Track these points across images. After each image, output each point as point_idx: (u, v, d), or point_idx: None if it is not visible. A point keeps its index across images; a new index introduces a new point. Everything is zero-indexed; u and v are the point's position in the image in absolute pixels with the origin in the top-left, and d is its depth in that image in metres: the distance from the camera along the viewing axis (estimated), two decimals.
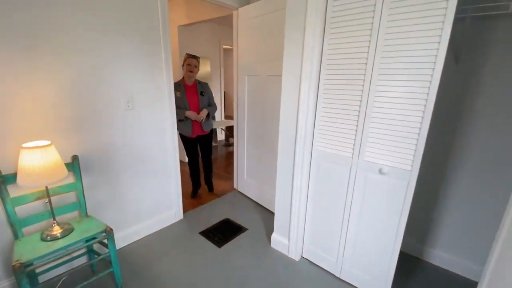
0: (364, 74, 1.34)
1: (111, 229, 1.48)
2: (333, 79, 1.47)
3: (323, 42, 1.48)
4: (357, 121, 1.42)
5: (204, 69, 4.89)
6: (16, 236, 1.39)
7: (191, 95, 2.52)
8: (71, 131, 1.58)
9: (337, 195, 1.60)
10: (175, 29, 3.70)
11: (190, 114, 2.47)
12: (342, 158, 1.53)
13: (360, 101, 1.38)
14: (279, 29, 2.06)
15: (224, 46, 5.42)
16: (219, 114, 5.31)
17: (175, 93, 2.32)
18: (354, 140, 1.45)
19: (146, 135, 1.97)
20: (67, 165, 1.54)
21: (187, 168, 2.99)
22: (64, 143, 1.56)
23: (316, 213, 1.74)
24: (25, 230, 1.45)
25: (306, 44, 1.50)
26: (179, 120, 2.39)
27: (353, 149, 1.47)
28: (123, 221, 1.97)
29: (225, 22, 4.60)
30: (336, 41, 1.42)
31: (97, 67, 1.62)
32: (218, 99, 5.28)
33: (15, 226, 1.37)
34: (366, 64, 1.33)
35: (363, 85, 1.36)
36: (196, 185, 2.90)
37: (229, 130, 5.05)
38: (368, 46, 1.30)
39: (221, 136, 5.53)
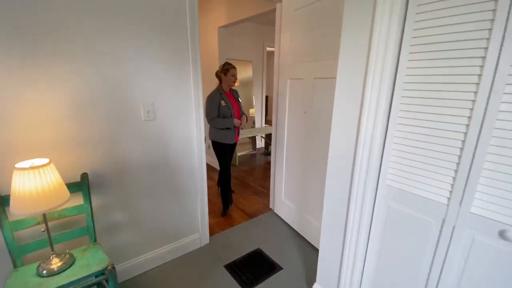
0: (480, 74, 0.81)
1: (113, 267, 1.22)
2: (420, 82, 0.97)
3: (403, 26, 0.99)
4: (462, 148, 0.88)
5: (246, 74, 4.62)
6: (14, 264, 1.22)
7: (233, 102, 2.43)
8: (82, 145, 1.38)
9: (417, 255, 1.07)
10: (215, 31, 3.49)
11: (237, 122, 2.37)
12: (429, 204, 1.00)
13: (470, 116, 0.85)
14: (332, 19, 1.60)
15: (268, 49, 5.09)
16: (259, 120, 4.99)
17: (220, 102, 2.30)
18: (454, 178, 0.92)
19: (169, 150, 1.71)
20: (75, 184, 1.34)
21: (213, 183, 2.71)
22: (73, 159, 1.37)
23: (381, 271, 1.23)
24: (26, 257, 1.29)
25: (376, 33, 1.02)
26: (226, 129, 2.36)
27: (451, 192, 0.93)
28: (140, 246, 1.73)
29: (269, 21, 4.27)
30: (427, 23, 0.92)
31: (112, 73, 1.40)
32: (259, 104, 4.96)
33: (13, 253, 1.20)
34: (486, 50, 0.80)
35: (476, 89, 0.83)
36: (227, 199, 2.60)
37: (269, 137, 4.68)
38: (492, 20, 0.77)
39: (260, 143, 5.20)
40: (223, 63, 2.40)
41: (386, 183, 1.14)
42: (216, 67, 3.44)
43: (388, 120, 1.08)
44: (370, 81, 1.08)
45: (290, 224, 2.31)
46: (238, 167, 3.95)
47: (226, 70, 2.32)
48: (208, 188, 3.07)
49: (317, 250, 1.96)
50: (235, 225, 2.37)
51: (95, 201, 1.48)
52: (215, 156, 2.61)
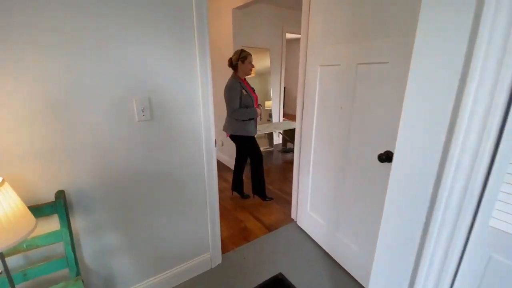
0: None
1: None
2: None
3: None
4: None
5: (263, 63, 4.20)
6: None
7: (251, 91, 2.31)
8: (57, 155, 1.06)
9: None
10: (229, 13, 3.09)
11: (258, 111, 2.29)
12: None
13: None
14: None
15: (288, 36, 4.61)
16: (276, 114, 4.58)
17: (241, 92, 2.18)
18: None
19: (171, 156, 1.37)
20: (49, 205, 1.03)
21: (227, 186, 2.41)
22: (46, 174, 1.06)
23: None
24: None
25: None
26: (249, 119, 2.25)
27: None
28: (139, 272, 1.43)
29: (289, 3, 3.79)
30: None
31: (95, 60, 1.06)
32: (277, 96, 4.54)
33: None
34: None
35: None
36: (263, 189, 2.61)
37: (287, 134, 4.27)
38: None
39: (277, 138, 4.80)
40: (238, 50, 2.23)
41: (489, 223, 0.73)
42: (230, 55, 3.06)
43: (503, 128, 0.67)
44: (479, 65, 0.66)
45: (318, 243, 1.94)
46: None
47: (243, 58, 2.17)
48: (220, 192, 2.78)
49: (356, 282, 1.58)
50: (252, 239, 2.03)
51: (80, 223, 1.18)
52: (236, 153, 2.49)
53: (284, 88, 4.95)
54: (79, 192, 1.15)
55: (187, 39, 1.27)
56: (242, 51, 2.20)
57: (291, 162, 3.78)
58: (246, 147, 2.39)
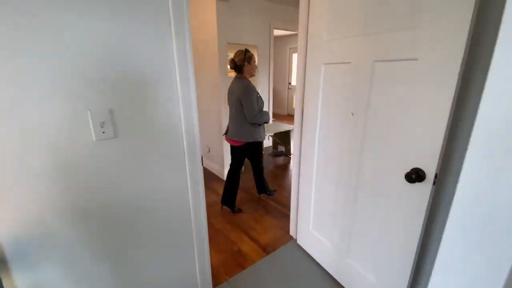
0: None
1: None
2: None
3: None
4: None
5: None
6: None
7: None
8: None
9: None
10: (213, 4, 2.77)
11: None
12: None
13: None
14: None
15: (276, 32, 4.35)
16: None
17: (258, 94, 2.09)
18: None
19: (143, 182, 1.06)
20: None
21: (216, 199, 2.12)
22: None
23: None
24: None
25: None
26: (259, 124, 2.16)
27: None
28: None
29: None
30: None
31: (25, 53, 0.74)
32: (266, 96, 4.28)
33: None
34: None
35: None
36: (265, 187, 2.56)
37: (278, 136, 4.01)
38: None
39: (267, 141, 4.54)
40: (241, 50, 2.08)
41: None
42: (215, 54, 2.76)
43: None
44: None
45: (323, 266, 1.69)
46: (243, 173, 3.32)
47: (249, 58, 2.05)
48: (209, 206, 2.48)
49: None
50: (248, 266, 1.76)
51: (22, 283, 0.86)
52: (234, 161, 2.33)
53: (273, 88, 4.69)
54: (16, 242, 0.83)
55: (161, 30, 0.97)
56: (246, 51, 2.05)
57: (284, 167, 3.53)
58: (258, 152, 2.28)
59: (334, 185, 1.50)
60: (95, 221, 0.97)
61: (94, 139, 0.90)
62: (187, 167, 1.18)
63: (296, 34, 7.10)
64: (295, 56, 7.34)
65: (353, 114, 1.28)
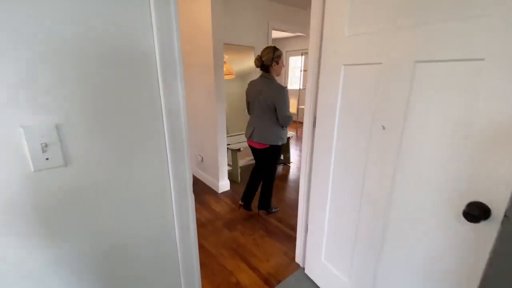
0: None
1: None
2: None
3: None
4: None
5: (246, 63, 3.66)
6: None
7: None
8: None
9: None
10: (207, 2, 2.51)
11: None
12: None
13: None
14: None
15: (274, 34, 4.11)
16: None
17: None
18: None
19: (114, 226, 0.78)
20: None
21: (209, 216, 1.84)
22: None
23: None
24: None
25: None
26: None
27: None
28: None
29: None
30: None
31: None
32: None
33: None
34: None
35: None
36: (269, 202, 2.33)
37: None
38: None
39: None
40: (269, 47, 1.95)
41: None
42: (209, 55, 2.48)
43: None
44: None
45: None
46: (239, 186, 3.03)
47: (278, 57, 1.93)
48: (201, 226, 2.17)
49: None
50: None
51: None
52: (259, 164, 2.25)
53: None
54: None
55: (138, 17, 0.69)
56: (275, 49, 1.94)
57: (283, 178, 3.26)
58: (276, 157, 2.16)
59: (356, 207, 1.23)
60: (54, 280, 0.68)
61: (32, 169, 0.61)
62: (174, 223, 0.89)
63: (294, 37, 6.92)
64: (291, 60, 7.14)
65: (384, 128, 1.03)
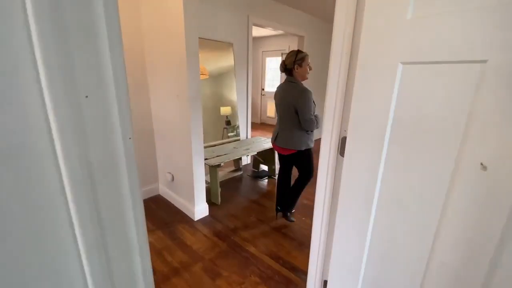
0: None
1: None
2: None
3: None
4: None
5: (224, 61, 3.17)
6: None
7: None
8: None
9: None
10: None
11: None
12: None
13: None
14: None
15: (256, 31, 3.68)
16: (243, 127, 3.59)
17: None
18: None
19: None
20: None
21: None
22: None
23: None
24: None
25: None
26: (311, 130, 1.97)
27: None
28: None
29: None
30: None
31: None
32: (244, 105, 3.55)
33: None
34: None
35: None
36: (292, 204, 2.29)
37: (262, 156, 3.30)
38: None
39: (245, 158, 3.81)
40: (292, 51, 1.93)
41: None
42: (181, 51, 1.94)
43: None
44: None
45: None
46: (220, 208, 2.53)
47: (301, 60, 1.90)
48: (175, 274, 1.59)
49: None
50: None
51: None
52: (283, 170, 2.26)
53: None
54: None
55: None
56: (298, 52, 1.91)
57: (270, 195, 2.82)
58: (308, 160, 2.09)
59: (424, 255, 0.82)
60: None
61: None
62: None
63: (273, 36, 6.50)
64: (268, 60, 6.77)
65: (485, 168, 0.62)
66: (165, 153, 2.52)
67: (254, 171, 3.52)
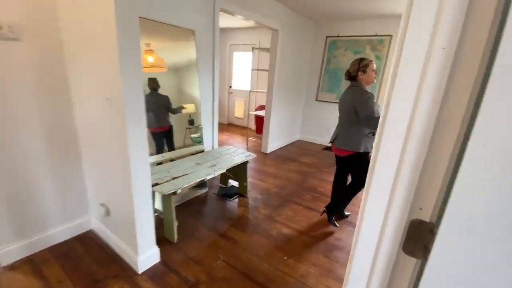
0: None
1: None
2: None
3: None
4: None
5: (186, 52, 2.52)
6: None
7: None
8: None
9: None
10: None
11: None
12: None
13: None
14: None
15: (223, 22, 3.08)
16: (208, 134, 2.96)
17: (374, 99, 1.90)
18: None
19: None
20: None
21: None
22: None
23: None
24: None
25: None
26: (373, 134, 1.94)
27: None
28: None
29: None
30: None
31: None
32: (209, 106, 2.92)
33: None
34: None
35: None
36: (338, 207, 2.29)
37: (233, 171, 2.71)
38: None
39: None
40: (356, 59, 2.00)
41: None
42: (110, 35, 1.27)
43: None
44: None
45: None
46: (177, 249, 1.91)
47: (364, 67, 1.94)
48: None
49: None
50: None
51: None
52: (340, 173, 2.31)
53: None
54: None
55: None
56: (361, 60, 1.97)
57: (241, 223, 2.26)
58: (363, 165, 1.99)
59: None
60: None
61: None
62: None
63: (243, 29, 5.83)
64: (236, 55, 6.16)
65: None
66: (96, 177, 1.81)
67: (221, 187, 2.93)
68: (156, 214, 1.94)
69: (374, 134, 1.94)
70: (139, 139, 1.45)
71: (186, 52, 2.52)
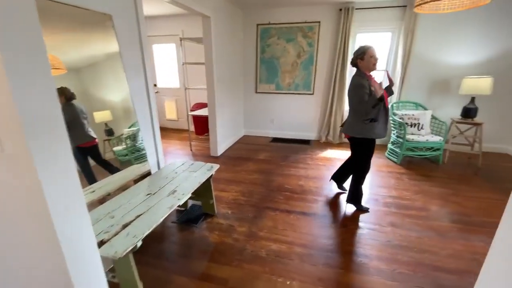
0: None
1: None
2: None
3: None
4: None
5: (98, 44, 1.83)
6: None
7: (379, 87, 2.10)
8: None
9: None
10: None
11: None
12: None
13: None
14: None
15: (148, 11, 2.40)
16: (150, 144, 2.33)
17: (370, 89, 2.00)
18: None
19: None
20: None
21: None
22: None
23: None
24: None
25: None
26: (371, 120, 2.01)
27: None
28: None
29: None
30: None
31: None
32: (144, 104, 2.27)
33: None
34: None
35: None
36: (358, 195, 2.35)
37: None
38: None
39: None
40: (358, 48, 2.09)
41: None
42: None
43: None
44: None
45: None
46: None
47: (362, 54, 2.02)
48: None
49: None
50: None
51: None
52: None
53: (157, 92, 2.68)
54: None
55: None
56: (360, 47, 2.06)
57: (220, 252, 1.84)
58: (362, 152, 2.18)
59: None
60: None
61: None
62: None
63: (166, 17, 4.90)
64: (156, 47, 5.32)
65: None
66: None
67: (180, 211, 2.39)
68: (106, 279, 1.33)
69: (373, 121, 2.00)
70: (66, 191, 0.86)
71: (100, 44, 1.82)
